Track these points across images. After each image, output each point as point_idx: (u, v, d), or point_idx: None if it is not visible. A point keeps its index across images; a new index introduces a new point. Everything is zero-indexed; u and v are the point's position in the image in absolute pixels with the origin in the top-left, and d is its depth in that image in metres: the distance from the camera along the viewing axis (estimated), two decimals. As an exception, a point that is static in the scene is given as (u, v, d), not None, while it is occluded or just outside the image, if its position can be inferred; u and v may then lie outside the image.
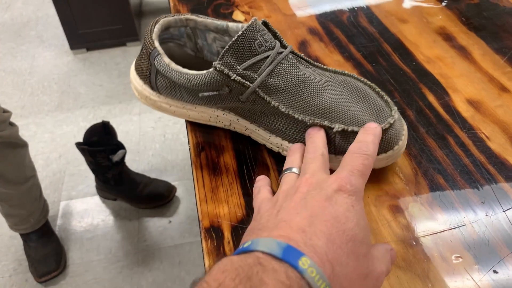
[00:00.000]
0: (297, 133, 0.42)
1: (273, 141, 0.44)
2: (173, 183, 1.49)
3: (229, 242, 0.38)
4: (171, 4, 0.69)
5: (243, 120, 0.45)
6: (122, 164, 1.39)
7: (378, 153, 0.41)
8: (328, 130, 0.40)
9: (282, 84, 0.40)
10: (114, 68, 2.02)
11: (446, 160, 0.44)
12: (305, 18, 0.65)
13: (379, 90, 0.44)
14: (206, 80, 0.40)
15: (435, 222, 0.39)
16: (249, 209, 0.41)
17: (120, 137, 1.44)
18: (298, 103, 0.41)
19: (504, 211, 0.40)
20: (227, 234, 0.39)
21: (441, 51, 0.57)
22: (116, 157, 1.33)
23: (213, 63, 0.39)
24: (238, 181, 0.43)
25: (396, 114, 0.41)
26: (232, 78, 0.39)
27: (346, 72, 0.45)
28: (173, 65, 0.42)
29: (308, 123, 0.40)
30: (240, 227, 0.39)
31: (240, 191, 0.42)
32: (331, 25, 0.63)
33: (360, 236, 0.29)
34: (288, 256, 0.26)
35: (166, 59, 0.43)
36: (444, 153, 0.45)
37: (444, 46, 0.58)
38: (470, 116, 0.48)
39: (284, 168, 0.39)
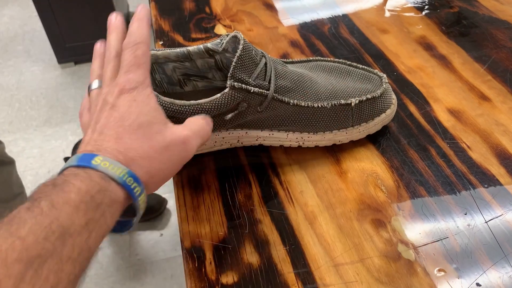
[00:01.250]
0: (317, 121, 0.45)
1: (292, 138, 0.46)
2: (163, 196, 1.48)
3: (210, 263, 0.38)
4: (153, 20, 0.69)
5: (253, 131, 0.45)
6: (111, 178, 1.38)
7: (373, 118, 0.46)
8: (345, 107, 0.44)
9: (289, 83, 0.44)
10: (103, 81, 2.01)
11: (428, 172, 0.44)
12: (287, 30, 0.65)
13: (356, 63, 0.50)
14: (222, 102, 0.40)
15: (418, 235, 0.39)
16: (231, 228, 0.40)
17: (109, 151, 1.43)
18: (308, 95, 0.44)
19: (486, 222, 0.40)
20: (208, 255, 0.38)
21: (422, 60, 0.57)
22: (105, 171, 1.32)
23: (228, 82, 0.40)
24: (220, 199, 0.43)
25: (385, 78, 0.47)
26: (251, 91, 0.40)
27: (318, 57, 0.50)
28: (178, 101, 0.40)
29: (328, 107, 0.44)
30: (221, 247, 0.39)
31: (222, 209, 0.42)
32: (312, 37, 0.63)
33: (146, 120, 0.33)
34: (82, 161, 0.30)
35: (167, 98, 0.40)
36: (426, 164, 0.45)
37: (424, 56, 0.58)
38: (451, 126, 0.49)
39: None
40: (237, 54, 0.40)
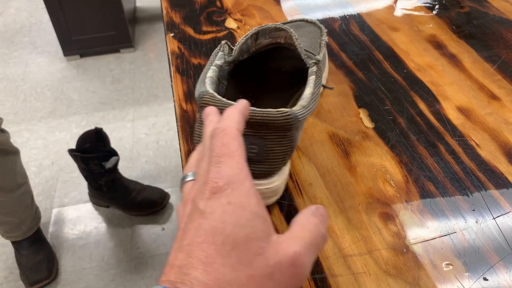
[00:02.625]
0: None
1: None
2: (166, 190, 1.48)
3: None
4: (164, 12, 0.69)
5: None
6: (115, 171, 1.38)
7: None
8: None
9: None
10: (108, 74, 2.02)
11: (437, 168, 0.44)
12: (297, 26, 0.65)
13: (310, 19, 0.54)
14: None
15: (426, 230, 0.39)
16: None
17: (114, 144, 1.44)
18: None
19: (494, 218, 0.40)
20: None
21: (432, 59, 0.58)
22: (109, 164, 1.33)
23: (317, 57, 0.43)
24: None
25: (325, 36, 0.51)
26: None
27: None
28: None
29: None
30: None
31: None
32: (323, 33, 0.63)
33: (243, 235, 0.25)
34: None
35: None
36: (434, 161, 0.45)
37: (434, 54, 0.58)
38: (461, 124, 0.49)
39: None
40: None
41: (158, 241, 1.38)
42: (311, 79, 0.41)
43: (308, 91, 0.40)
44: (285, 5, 0.70)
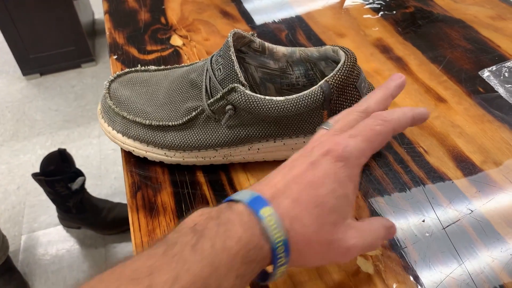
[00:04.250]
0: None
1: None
2: (138, 206, 1.45)
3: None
4: (107, 33, 0.67)
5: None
6: (82, 191, 1.35)
7: None
8: None
9: None
10: (70, 91, 1.97)
11: (386, 179, 0.44)
12: (244, 38, 0.64)
13: None
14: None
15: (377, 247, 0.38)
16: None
17: (81, 162, 1.41)
18: None
19: (443, 228, 0.39)
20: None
21: (379, 64, 0.57)
22: (75, 185, 1.30)
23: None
24: (176, 221, 0.42)
25: None
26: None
27: None
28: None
29: None
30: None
31: (178, 231, 0.41)
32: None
33: (330, 204, 0.30)
34: (254, 204, 0.29)
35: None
36: (383, 172, 0.44)
37: (381, 59, 0.58)
38: (408, 130, 0.48)
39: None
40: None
41: (133, 259, 1.36)
42: None
43: None
44: (231, 18, 0.69)
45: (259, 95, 0.40)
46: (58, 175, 1.27)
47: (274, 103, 0.40)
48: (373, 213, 0.41)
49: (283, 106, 0.39)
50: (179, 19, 0.69)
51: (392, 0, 0.69)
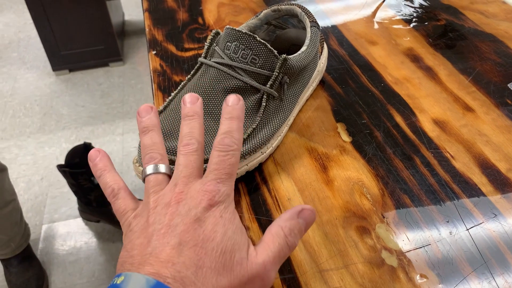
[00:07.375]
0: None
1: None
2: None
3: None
4: (147, 30, 0.70)
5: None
6: (104, 185, 1.38)
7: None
8: None
9: None
10: (97, 88, 2.02)
11: (412, 180, 0.45)
12: (278, 41, 0.66)
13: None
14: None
15: (401, 242, 0.40)
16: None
17: (103, 158, 1.43)
18: None
19: (467, 229, 0.41)
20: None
21: (409, 72, 0.59)
22: (98, 179, 1.33)
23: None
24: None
25: None
26: None
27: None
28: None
29: None
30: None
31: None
32: (302, 48, 0.64)
33: (229, 245, 0.29)
34: None
35: None
36: (410, 173, 0.46)
37: (411, 67, 0.60)
38: (436, 136, 0.50)
39: (147, 159, 0.34)
40: None
41: (149, 255, 1.38)
42: None
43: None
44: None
45: (296, 54, 0.48)
46: (82, 168, 1.31)
47: (302, 54, 0.48)
48: (399, 211, 0.42)
49: (305, 55, 0.49)
50: (215, 20, 0.72)
51: (424, 13, 0.70)
